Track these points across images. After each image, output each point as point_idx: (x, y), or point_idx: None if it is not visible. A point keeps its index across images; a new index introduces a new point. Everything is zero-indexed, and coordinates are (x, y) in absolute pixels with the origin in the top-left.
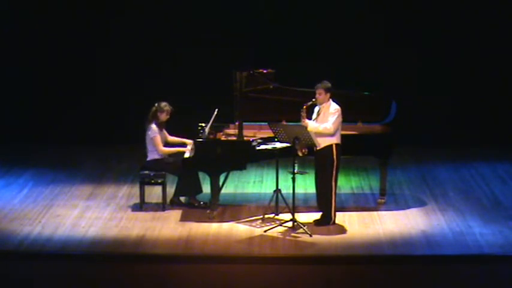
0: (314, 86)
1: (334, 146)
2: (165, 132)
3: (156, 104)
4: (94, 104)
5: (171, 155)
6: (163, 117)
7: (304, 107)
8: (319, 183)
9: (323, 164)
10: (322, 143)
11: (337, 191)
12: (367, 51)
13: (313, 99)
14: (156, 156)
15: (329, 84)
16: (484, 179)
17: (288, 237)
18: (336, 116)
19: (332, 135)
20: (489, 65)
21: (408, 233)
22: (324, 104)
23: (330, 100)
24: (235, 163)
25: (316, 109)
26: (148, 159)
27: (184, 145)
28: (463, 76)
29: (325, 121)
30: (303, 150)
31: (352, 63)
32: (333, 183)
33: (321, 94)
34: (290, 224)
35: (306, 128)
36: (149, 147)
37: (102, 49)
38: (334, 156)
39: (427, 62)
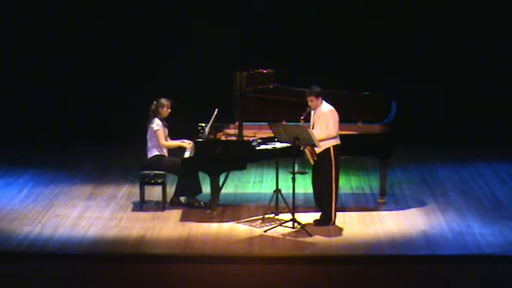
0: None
1: (332, 148)
2: (166, 130)
3: (155, 102)
4: (94, 103)
5: (171, 150)
6: (165, 111)
7: (302, 118)
8: (317, 185)
9: (321, 165)
10: (321, 146)
11: (338, 191)
12: (367, 51)
13: (308, 108)
14: (157, 152)
15: (318, 89)
16: (484, 179)
17: (288, 237)
18: (333, 117)
19: (335, 137)
20: (489, 65)
21: (408, 233)
22: (318, 108)
23: (323, 102)
24: (235, 163)
25: (312, 114)
26: (148, 156)
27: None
28: (464, 76)
29: (323, 125)
30: (314, 158)
31: (352, 63)
32: (333, 185)
33: (312, 101)
34: (290, 224)
35: (306, 128)
36: (150, 142)
37: (101, 49)
38: (332, 158)
39: (427, 61)
